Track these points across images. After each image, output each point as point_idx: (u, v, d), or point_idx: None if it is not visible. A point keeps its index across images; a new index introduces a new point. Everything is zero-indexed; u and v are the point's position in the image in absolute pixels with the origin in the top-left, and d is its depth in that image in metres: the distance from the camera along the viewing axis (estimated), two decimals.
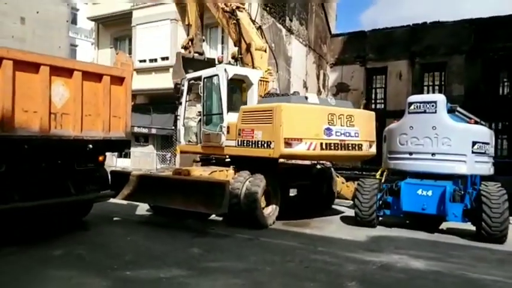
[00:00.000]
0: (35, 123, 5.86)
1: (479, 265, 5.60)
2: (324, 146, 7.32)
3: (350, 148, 7.68)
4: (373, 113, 8.62)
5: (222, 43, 16.90)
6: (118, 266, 5.06)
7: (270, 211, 7.76)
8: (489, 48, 18.30)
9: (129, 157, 17.73)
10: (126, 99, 7.15)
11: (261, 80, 8.64)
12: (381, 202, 7.85)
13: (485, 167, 7.73)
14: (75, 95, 6.30)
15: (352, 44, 22.09)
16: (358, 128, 7.79)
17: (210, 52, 17.29)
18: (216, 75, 8.10)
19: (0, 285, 4.32)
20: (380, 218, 7.98)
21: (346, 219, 8.56)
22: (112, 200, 8.20)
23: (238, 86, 8.86)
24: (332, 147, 7.43)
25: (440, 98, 7.73)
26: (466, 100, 16.57)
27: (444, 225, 7.88)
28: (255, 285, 4.60)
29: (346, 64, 22.18)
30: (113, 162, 16.51)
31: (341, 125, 7.52)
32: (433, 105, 7.57)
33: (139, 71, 16.01)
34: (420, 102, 7.79)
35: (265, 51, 8.98)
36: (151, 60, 16.92)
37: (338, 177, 9.95)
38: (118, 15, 18.24)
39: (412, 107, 7.86)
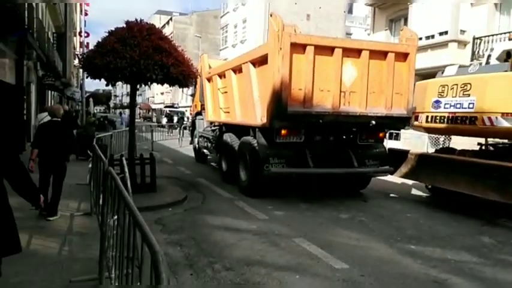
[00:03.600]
0: (328, 101, 6.63)
1: None
2: (429, 119, 7.50)
3: (459, 122, 6.94)
4: None
5: None
6: (401, 239, 5.15)
7: None
8: None
9: (399, 139, 17.46)
10: (409, 75, 7.04)
11: None
12: None
13: None
14: (362, 73, 6.71)
15: None
16: (475, 97, 6.64)
17: (500, 19, 14.57)
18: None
19: (299, 230, 5.24)
20: None
21: None
22: (385, 178, 8.39)
23: None
24: (438, 121, 7.31)
25: None
26: None
27: None
28: None
29: None
30: (384, 143, 16.67)
31: (452, 96, 7.06)
32: None
33: None
34: None
35: None
36: (427, 37, 15.82)
37: None
38: None
39: None
